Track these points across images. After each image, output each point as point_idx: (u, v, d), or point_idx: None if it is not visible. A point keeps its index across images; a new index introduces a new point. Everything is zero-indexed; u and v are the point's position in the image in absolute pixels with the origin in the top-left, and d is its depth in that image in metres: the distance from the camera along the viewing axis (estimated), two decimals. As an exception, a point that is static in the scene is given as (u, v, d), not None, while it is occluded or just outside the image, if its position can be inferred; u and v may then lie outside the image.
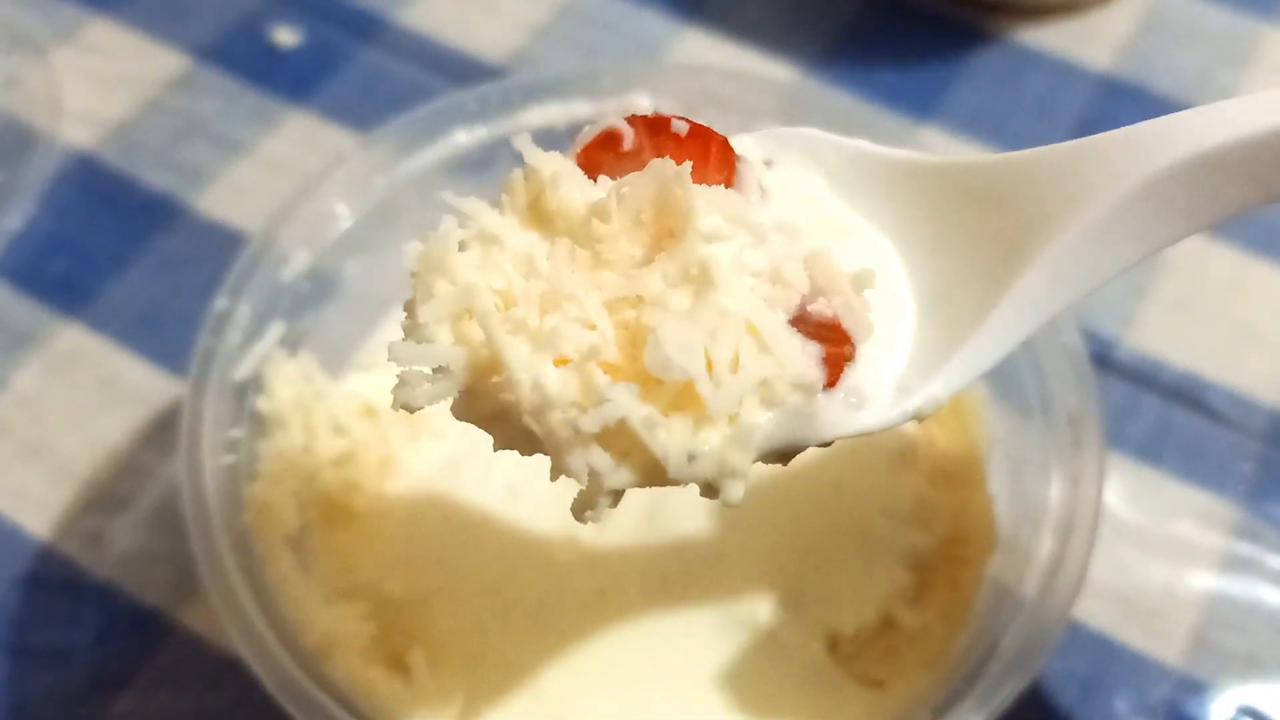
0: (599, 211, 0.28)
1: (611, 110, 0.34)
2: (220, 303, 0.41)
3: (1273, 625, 0.48)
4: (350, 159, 0.46)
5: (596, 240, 0.28)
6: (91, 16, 0.67)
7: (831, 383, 0.28)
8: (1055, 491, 0.38)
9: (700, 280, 0.27)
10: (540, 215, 0.29)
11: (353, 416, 0.44)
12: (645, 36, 0.68)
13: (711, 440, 0.27)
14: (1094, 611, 0.48)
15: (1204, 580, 0.50)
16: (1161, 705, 0.46)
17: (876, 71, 0.66)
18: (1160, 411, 0.54)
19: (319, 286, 0.46)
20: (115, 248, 0.58)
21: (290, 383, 0.41)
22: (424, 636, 0.40)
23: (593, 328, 0.27)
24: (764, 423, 0.27)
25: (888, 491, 0.41)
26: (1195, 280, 0.59)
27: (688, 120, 0.30)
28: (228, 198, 0.60)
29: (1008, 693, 0.34)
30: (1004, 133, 0.64)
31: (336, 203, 0.45)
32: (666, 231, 0.28)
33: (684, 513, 0.42)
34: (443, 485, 0.44)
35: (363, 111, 0.63)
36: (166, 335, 0.55)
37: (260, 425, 0.41)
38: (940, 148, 0.63)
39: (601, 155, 0.30)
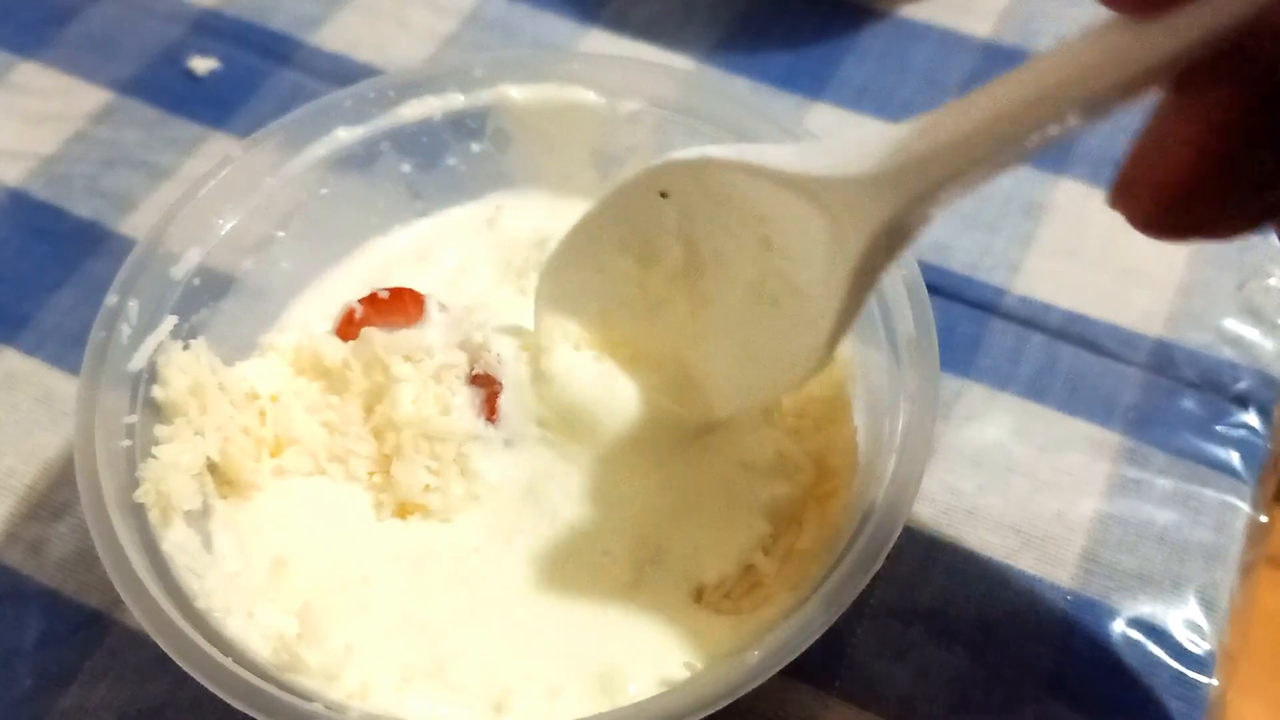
0: (348, 365, 0.47)
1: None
2: (110, 299, 0.44)
3: (1162, 542, 0.50)
4: (235, 160, 0.48)
5: (351, 384, 0.47)
6: (18, 59, 0.70)
7: (490, 414, 0.45)
8: (903, 415, 0.40)
9: (398, 427, 0.45)
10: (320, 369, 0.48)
11: (246, 400, 0.46)
12: (550, 38, 0.70)
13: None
14: (990, 541, 0.50)
15: (1094, 505, 0.51)
16: (1058, 625, 0.48)
17: (770, 56, 0.69)
18: (1047, 350, 0.56)
19: (213, 283, 0.48)
20: (46, 275, 0.61)
21: (185, 371, 0.43)
22: (316, 592, 0.42)
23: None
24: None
25: (750, 447, 0.44)
26: (1080, 227, 0.61)
27: (389, 289, 0.48)
28: (152, 220, 0.62)
29: (850, 591, 0.35)
30: (892, 103, 0.66)
31: (224, 203, 0.48)
32: (384, 369, 0.46)
33: (560, 489, 0.44)
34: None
35: (279, 129, 0.66)
36: (96, 352, 0.58)
37: (156, 411, 0.43)
38: (832, 122, 0.66)
39: (348, 328, 0.48)
